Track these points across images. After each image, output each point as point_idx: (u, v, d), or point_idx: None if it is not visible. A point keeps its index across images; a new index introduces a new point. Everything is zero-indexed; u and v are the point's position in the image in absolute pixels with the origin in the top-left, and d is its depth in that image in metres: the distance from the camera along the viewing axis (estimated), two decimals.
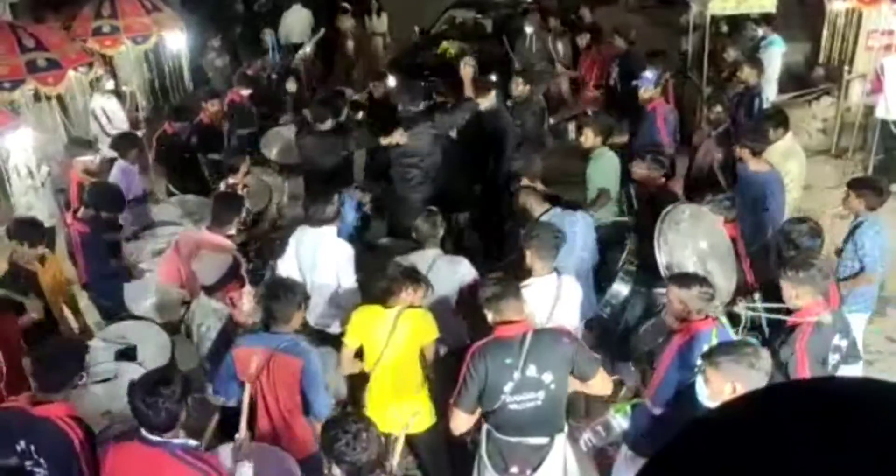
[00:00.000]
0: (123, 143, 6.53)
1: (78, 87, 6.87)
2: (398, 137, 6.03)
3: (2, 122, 5.87)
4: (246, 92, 8.40)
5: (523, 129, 7.13)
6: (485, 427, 3.62)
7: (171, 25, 8.63)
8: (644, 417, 3.75)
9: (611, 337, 5.34)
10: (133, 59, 8.92)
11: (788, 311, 3.89)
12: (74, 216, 5.25)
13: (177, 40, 8.89)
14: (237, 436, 3.41)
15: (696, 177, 6.58)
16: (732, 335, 3.83)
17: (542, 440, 3.57)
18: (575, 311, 4.24)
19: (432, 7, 13.37)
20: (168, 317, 5.17)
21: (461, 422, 3.53)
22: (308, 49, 10.57)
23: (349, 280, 4.80)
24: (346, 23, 12.96)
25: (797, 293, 3.76)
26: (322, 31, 11.66)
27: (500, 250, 6.18)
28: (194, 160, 7.15)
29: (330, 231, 4.88)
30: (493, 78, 8.67)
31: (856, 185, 4.97)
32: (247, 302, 4.15)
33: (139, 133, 7.64)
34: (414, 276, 4.10)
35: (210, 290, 4.34)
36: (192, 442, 3.09)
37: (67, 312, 5.19)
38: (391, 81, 8.42)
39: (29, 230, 4.76)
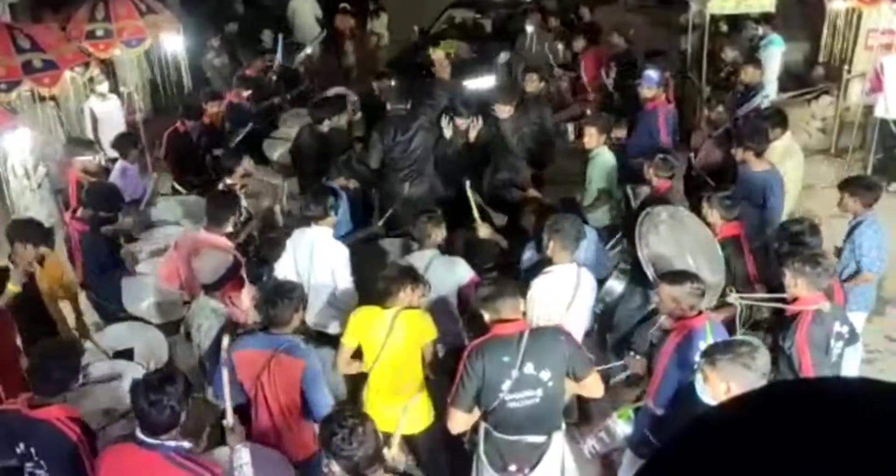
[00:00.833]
0: (124, 143, 6.53)
1: (73, 87, 6.87)
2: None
3: (1, 122, 5.87)
4: (245, 93, 8.40)
5: (540, 124, 7.11)
6: (483, 426, 3.62)
7: (167, 27, 8.61)
8: (646, 420, 3.76)
9: (603, 332, 5.37)
10: (130, 60, 8.92)
11: (783, 301, 3.91)
12: (73, 216, 5.25)
13: (173, 42, 8.87)
14: (224, 422, 3.40)
15: (696, 178, 6.58)
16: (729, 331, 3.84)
17: (540, 438, 3.58)
18: (591, 302, 4.29)
19: (432, 7, 13.37)
20: (167, 317, 5.17)
21: (459, 421, 3.54)
22: (309, 49, 10.58)
23: (345, 281, 4.80)
24: (346, 23, 12.97)
25: (797, 283, 3.80)
26: (324, 31, 11.68)
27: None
28: (202, 159, 7.16)
29: (325, 232, 4.89)
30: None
31: (847, 186, 4.98)
32: (245, 302, 4.15)
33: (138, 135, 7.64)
34: (413, 276, 4.10)
35: (210, 290, 4.34)
36: (187, 444, 3.09)
37: (69, 312, 5.18)
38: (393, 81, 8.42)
39: (29, 230, 4.75)
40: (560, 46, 10.36)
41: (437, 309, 4.36)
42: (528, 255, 4.78)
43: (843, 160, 8.61)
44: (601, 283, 5.08)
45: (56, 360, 3.40)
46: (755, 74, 7.38)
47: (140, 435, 3.00)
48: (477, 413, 3.57)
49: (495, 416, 3.53)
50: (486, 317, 3.55)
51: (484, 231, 5.27)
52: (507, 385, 3.41)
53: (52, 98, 7.18)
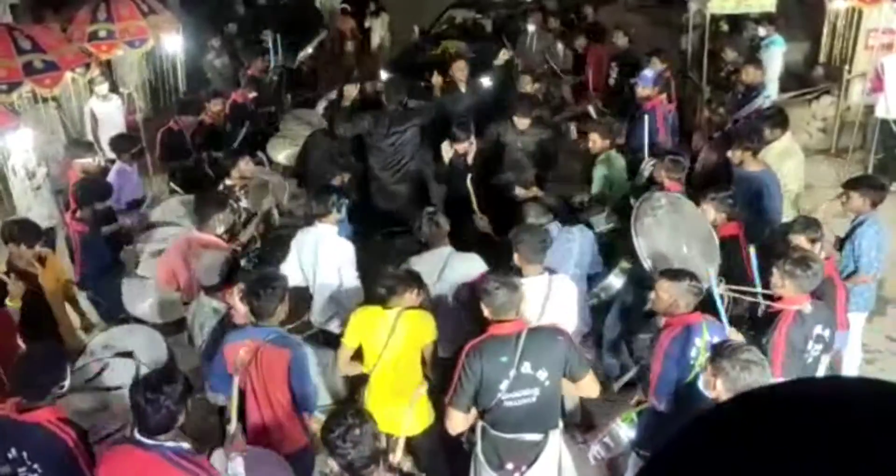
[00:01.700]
0: (121, 144, 6.54)
1: (74, 88, 6.88)
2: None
3: (1, 123, 5.87)
4: (252, 95, 8.42)
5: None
6: (480, 424, 3.62)
7: (168, 28, 8.62)
8: (649, 420, 3.76)
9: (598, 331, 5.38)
10: (130, 61, 8.92)
11: (770, 298, 3.92)
12: (73, 216, 5.25)
13: (174, 43, 8.88)
14: (228, 428, 3.41)
15: (698, 180, 6.56)
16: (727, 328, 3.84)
17: (537, 437, 3.58)
18: (569, 310, 4.22)
19: (432, 7, 13.37)
20: (167, 317, 5.17)
21: (458, 421, 3.54)
22: (310, 49, 10.58)
23: (351, 279, 4.80)
24: (347, 23, 12.98)
25: (784, 284, 3.81)
26: (324, 32, 11.68)
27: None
28: (198, 159, 7.16)
29: (330, 230, 4.89)
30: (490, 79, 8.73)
31: (856, 185, 4.95)
32: (236, 300, 4.17)
33: (138, 135, 7.64)
34: (419, 279, 4.10)
35: (210, 290, 4.35)
36: (186, 445, 3.09)
37: (71, 312, 5.19)
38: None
39: (23, 231, 4.76)
40: (560, 46, 10.36)
41: (455, 305, 4.38)
42: None
43: (843, 160, 8.61)
44: (597, 282, 5.09)
45: (43, 360, 3.38)
46: (756, 75, 7.37)
47: (138, 435, 3.00)
48: (475, 413, 3.57)
49: (492, 415, 3.53)
50: (486, 313, 3.54)
51: (482, 223, 5.27)
52: (504, 385, 3.41)
53: (54, 99, 7.19)
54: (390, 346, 3.95)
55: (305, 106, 9.63)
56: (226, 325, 4.17)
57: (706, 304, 3.87)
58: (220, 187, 5.87)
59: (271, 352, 3.67)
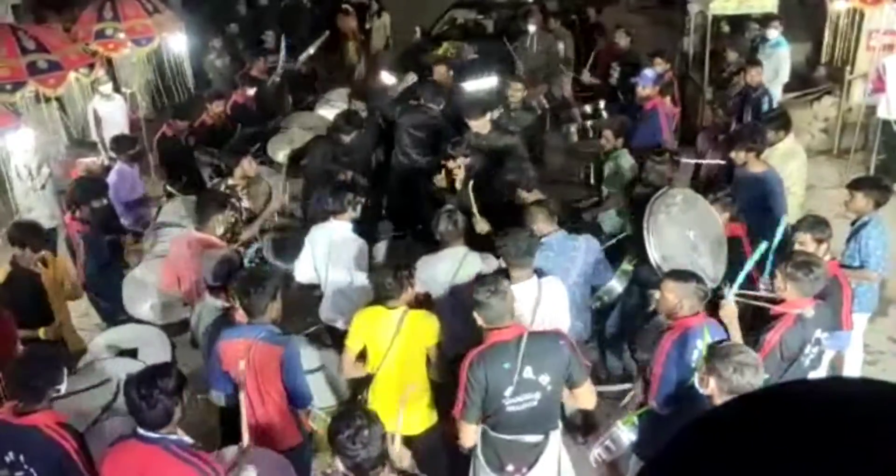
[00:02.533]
0: (121, 144, 6.54)
1: (77, 88, 6.89)
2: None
3: (3, 123, 5.87)
4: (251, 91, 8.41)
5: (524, 133, 7.03)
6: (480, 427, 3.60)
7: (172, 27, 8.64)
8: (650, 423, 3.75)
9: (601, 332, 5.37)
10: (134, 60, 8.93)
11: (774, 301, 3.91)
12: (73, 217, 5.25)
13: (178, 42, 8.90)
14: (241, 444, 3.42)
15: (704, 181, 6.56)
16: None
17: (537, 438, 3.57)
18: (560, 312, 4.19)
19: (434, 8, 13.37)
20: (168, 318, 5.17)
21: (471, 434, 3.52)
22: (312, 50, 10.58)
23: (361, 276, 4.78)
24: (348, 24, 12.98)
25: (787, 287, 3.81)
26: (326, 33, 11.67)
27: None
28: (193, 162, 7.16)
29: (345, 227, 4.89)
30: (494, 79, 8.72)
31: (861, 185, 4.93)
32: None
33: (141, 135, 7.66)
34: (411, 273, 4.08)
35: (214, 291, 4.36)
36: (188, 439, 3.10)
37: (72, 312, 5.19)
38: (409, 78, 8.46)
39: (29, 234, 4.76)
40: (561, 46, 10.36)
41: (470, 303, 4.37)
42: None
43: (845, 161, 8.60)
44: (599, 286, 5.08)
45: (38, 361, 3.36)
46: (758, 75, 7.36)
47: (140, 430, 3.01)
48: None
49: (493, 419, 3.52)
50: (480, 321, 3.49)
51: (482, 226, 5.26)
52: (509, 391, 3.39)
53: (57, 99, 7.19)
54: (395, 346, 3.94)
55: (305, 107, 9.65)
56: (226, 322, 4.18)
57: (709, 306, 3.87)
58: (223, 187, 5.87)
59: (264, 349, 3.69)
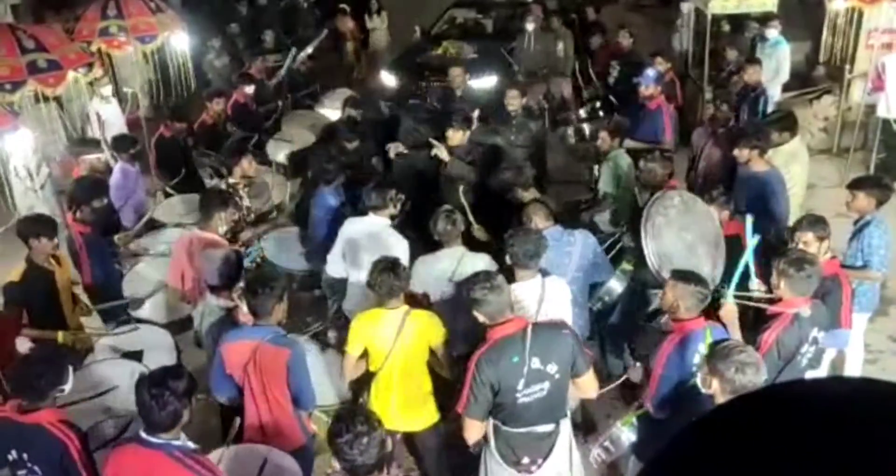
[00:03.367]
0: (122, 143, 6.54)
1: (75, 88, 6.88)
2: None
3: (2, 123, 5.86)
4: (249, 89, 8.41)
5: (528, 140, 6.94)
6: (491, 422, 3.61)
7: (175, 26, 8.65)
8: (649, 425, 3.76)
9: (602, 332, 5.37)
10: (134, 60, 8.93)
11: (771, 301, 3.91)
12: (74, 217, 5.25)
13: (181, 40, 8.91)
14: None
15: (699, 177, 6.56)
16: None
17: (549, 427, 3.60)
18: (563, 310, 4.20)
19: (433, 7, 13.36)
20: (169, 317, 5.17)
21: (475, 430, 3.53)
22: (309, 50, 10.59)
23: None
24: (346, 24, 12.98)
25: (780, 284, 3.82)
26: (324, 32, 11.67)
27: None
28: (192, 162, 7.17)
29: (383, 222, 4.90)
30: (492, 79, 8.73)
31: (862, 185, 4.93)
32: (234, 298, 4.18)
33: (141, 134, 7.65)
34: (407, 273, 4.09)
35: (216, 290, 4.36)
36: (192, 444, 3.10)
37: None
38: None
39: (39, 224, 4.76)
40: (561, 46, 10.35)
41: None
42: None
43: (845, 160, 8.60)
44: (599, 286, 5.08)
45: (39, 368, 3.34)
46: (757, 74, 7.36)
47: (143, 434, 3.01)
48: (490, 419, 3.58)
49: (504, 413, 3.53)
50: (481, 319, 3.51)
51: (479, 233, 5.28)
52: (521, 384, 3.41)
53: (56, 99, 7.18)
54: (398, 347, 3.94)
55: (305, 107, 9.65)
56: (229, 322, 4.18)
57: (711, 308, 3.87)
58: (224, 186, 5.87)
59: (270, 351, 3.69)
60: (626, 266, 5.15)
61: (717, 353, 3.13)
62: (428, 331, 3.97)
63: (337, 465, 2.84)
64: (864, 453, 0.61)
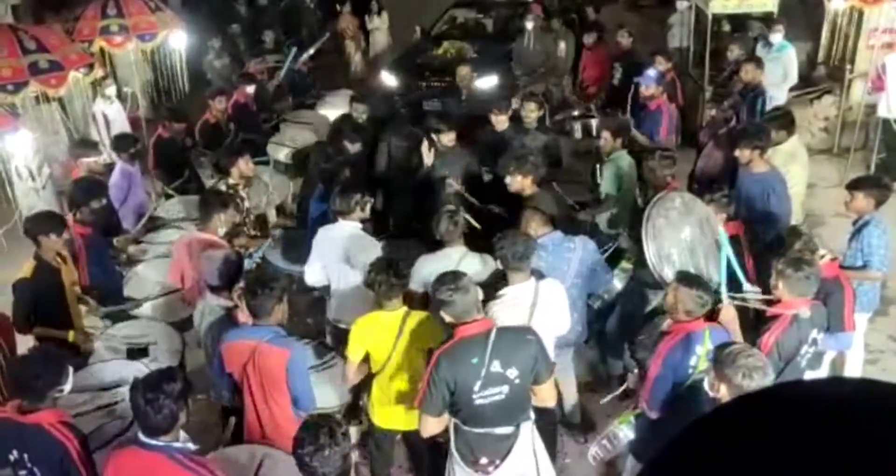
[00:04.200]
0: (122, 143, 6.54)
1: (76, 89, 6.89)
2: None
3: (2, 125, 5.87)
4: (250, 89, 8.42)
5: (542, 153, 6.86)
6: (452, 421, 3.62)
7: (175, 24, 8.68)
8: (646, 424, 3.76)
9: (602, 331, 5.37)
10: (133, 59, 8.94)
11: (769, 303, 3.92)
12: (75, 218, 5.26)
13: (180, 40, 8.92)
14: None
15: (700, 176, 6.56)
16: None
17: (508, 429, 3.59)
18: (559, 314, 4.19)
19: (433, 7, 13.36)
20: (170, 317, 5.18)
21: (430, 426, 3.54)
22: (312, 50, 10.59)
23: None
24: (347, 23, 12.98)
25: (779, 285, 3.82)
26: (327, 34, 11.67)
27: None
28: (191, 163, 7.17)
29: (353, 226, 4.88)
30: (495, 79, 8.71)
31: (861, 185, 4.92)
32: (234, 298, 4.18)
33: (142, 134, 7.67)
34: (406, 275, 4.07)
35: (216, 290, 4.36)
36: (191, 445, 3.10)
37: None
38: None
39: (48, 221, 4.76)
40: (562, 45, 10.35)
41: None
42: None
43: (845, 160, 8.60)
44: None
45: (38, 368, 3.33)
46: (756, 73, 7.35)
47: (142, 436, 3.00)
48: (447, 415, 3.58)
49: (463, 413, 3.54)
50: (447, 319, 3.52)
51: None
52: (477, 385, 3.41)
53: (59, 99, 7.19)
54: (398, 349, 3.94)
55: (305, 107, 9.65)
56: (229, 322, 4.18)
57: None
58: (223, 187, 5.88)
59: (269, 351, 3.69)
60: (626, 264, 5.15)
61: (723, 358, 3.11)
62: (427, 332, 3.96)
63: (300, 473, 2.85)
64: (865, 454, 0.61)
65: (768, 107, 7.11)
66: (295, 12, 13.40)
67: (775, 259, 3.89)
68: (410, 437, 4.15)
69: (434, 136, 6.08)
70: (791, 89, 9.07)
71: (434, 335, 3.95)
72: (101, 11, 8.00)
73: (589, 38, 9.99)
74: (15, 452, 3.18)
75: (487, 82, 9.76)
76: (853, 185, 4.95)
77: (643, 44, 10.12)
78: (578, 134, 8.02)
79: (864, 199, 4.81)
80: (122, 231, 5.99)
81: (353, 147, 6.61)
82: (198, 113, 7.89)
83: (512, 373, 3.43)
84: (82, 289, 5.17)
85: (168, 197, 6.96)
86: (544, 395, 3.65)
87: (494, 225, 5.19)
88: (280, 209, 7.30)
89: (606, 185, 6.07)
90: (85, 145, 6.36)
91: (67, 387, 3.42)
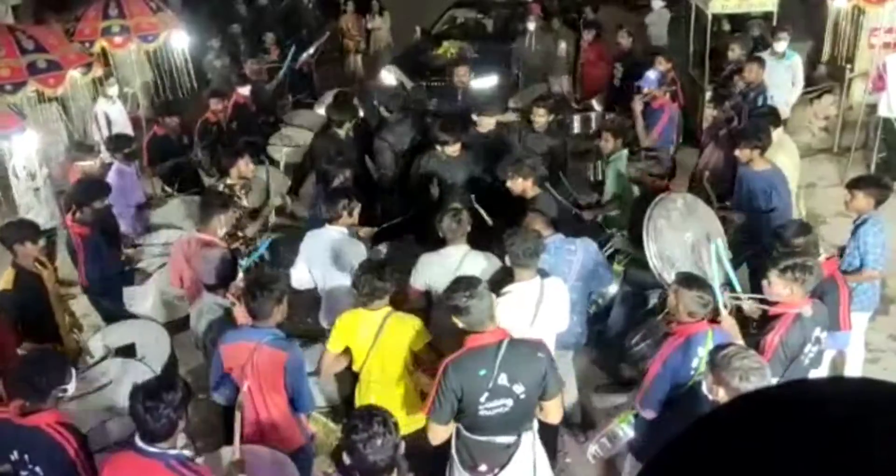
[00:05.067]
0: (118, 143, 6.55)
1: (77, 88, 6.90)
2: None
3: (8, 125, 5.87)
4: (244, 90, 8.42)
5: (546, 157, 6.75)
6: (455, 426, 3.60)
7: (176, 25, 8.69)
8: (645, 424, 3.75)
9: (603, 336, 5.36)
10: (134, 59, 8.95)
11: (769, 302, 3.91)
12: (73, 218, 5.26)
13: (181, 40, 8.94)
14: (231, 458, 3.41)
15: (700, 176, 6.55)
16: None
17: (509, 439, 3.56)
18: (562, 312, 4.19)
19: (434, 7, 13.37)
20: (169, 317, 5.19)
21: (438, 433, 3.51)
22: (312, 50, 10.60)
23: None
24: (348, 23, 12.99)
25: (788, 288, 3.76)
26: (327, 34, 11.68)
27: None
28: (187, 161, 7.18)
29: (341, 232, 4.88)
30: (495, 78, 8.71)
31: (861, 184, 4.91)
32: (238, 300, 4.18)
33: (141, 134, 7.67)
34: (391, 273, 4.02)
35: (212, 289, 4.36)
36: (188, 452, 3.10)
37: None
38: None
39: (23, 229, 4.76)
40: (563, 45, 10.36)
41: None
42: None
43: (846, 159, 8.60)
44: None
45: (40, 368, 3.33)
46: (758, 73, 7.35)
47: (139, 442, 2.99)
48: (454, 423, 3.56)
49: (467, 420, 3.52)
50: (461, 325, 3.45)
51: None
52: (484, 397, 3.38)
53: (56, 99, 7.19)
54: (377, 348, 3.91)
55: (304, 106, 9.66)
56: (228, 323, 4.18)
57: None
58: (221, 187, 5.88)
59: (268, 353, 3.69)
60: (617, 267, 5.16)
61: (719, 361, 3.09)
62: (407, 335, 3.91)
63: (347, 460, 2.83)
64: (865, 454, 0.60)
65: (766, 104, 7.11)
66: (295, 12, 13.40)
67: (774, 262, 3.86)
68: (407, 440, 4.13)
69: (438, 148, 6.04)
70: None
71: (415, 339, 3.91)
72: (103, 12, 8.03)
73: (588, 35, 10.02)
74: (16, 453, 3.17)
75: (487, 82, 9.77)
76: (853, 185, 4.95)
77: (643, 44, 10.13)
78: (577, 127, 8.02)
79: (864, 199, 4.80)
80: (121, 231, 5.99)
81: (342, 130, 6.57)
82: (198, 113, 7.89)
83: (518, 388, 3.39)
84: (83, 288, 5.18)
85: (169, 196, 6.96)
86: (551, 412, 3.59)
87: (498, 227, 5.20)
88: (279, 209, 7.29)
89: (611, 185, 6.07)
90: (81, 148, 6.36)
91: (71, 387, 3.41)
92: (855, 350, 5.07)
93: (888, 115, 7.93)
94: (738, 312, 4.11)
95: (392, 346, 3.92)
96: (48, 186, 6.50)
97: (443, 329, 4.02)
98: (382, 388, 4.02)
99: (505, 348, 3.35)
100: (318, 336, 5.10)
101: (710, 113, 7.28)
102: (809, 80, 9.54)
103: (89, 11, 8.10)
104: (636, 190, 5.79)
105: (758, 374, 3.01)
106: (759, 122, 6.12)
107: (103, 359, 4.64)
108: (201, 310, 4.44)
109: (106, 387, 4.29)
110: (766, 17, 9.11)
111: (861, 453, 0.61)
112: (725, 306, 3.91)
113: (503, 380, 3.36)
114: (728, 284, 4.16)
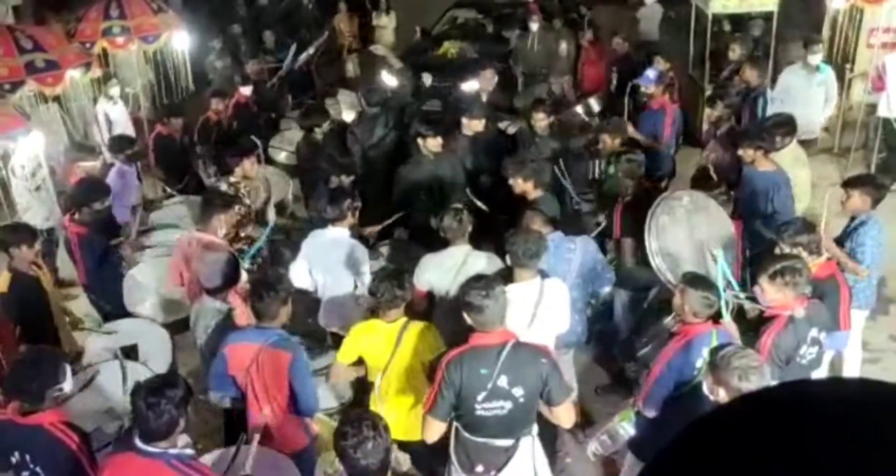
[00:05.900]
0: (119, 144, 6.55)
1: (78, 88, 6.90)
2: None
3: (14, 126, 5.86)
4: (246, 90, 8.42)
5: (549, 160, 6.63)
6: (454, 426, 3.60)
7: (177, 26, 8.71)
8: (646, 423, 3.74)
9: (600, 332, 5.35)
10: (135, 60, 8.96)
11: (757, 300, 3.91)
12: (71, 218, 5.26)
13: (182, 41, 8.95)
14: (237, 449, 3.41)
15: (700, 175, 6.56)
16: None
17: (507, 442, 3.55)
18: (561, 313, 4.19)
19: (434, 7, 13.38)
20: (168, 317, 5.18)
21: (434, 429, 3.49)
22: (311, 50, 10.60)
23: (365, 281, 4.70)
24: (340, 23, 13.00)
25: (781, 292, 3.74)
26: (326, 34, 11.69)
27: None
28: (190, 161, 7.17)
29: (342, 232, 4.88)
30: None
31: (857, 184, 4.90)
32: (240, 302, 4.17)
33: (143, 135, 7.68)
34: (405, 281, 3.98)
35: (213, 293, 4.35)
36: (189, 451, 3.08)
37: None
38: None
39: (18, 233, 4.75)
40: (563, 45, 10.36)
41: None
42: None
43: (846, 159, 8.60)
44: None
45: (35, 369, 3.31)
46: (754, 75, 7.35)
47: (139, 442, 2.97)
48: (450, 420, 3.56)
49: (464, 419, 3.52)
50: (469, 322, 3.44)
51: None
52: (481, 396, 3.38)
53: (56, 99, 7.20)
54: (395, 361, 3.89)
55: (304, 106, 9.65)
56: (229, 325, 4.18)
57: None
58: (224, 186, 5.88)
59: (272, 354, 3.69)
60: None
61: (718, 361, 3.09)
62: (425, 343, 3.90)
63: (340, 466, 2.83)
64: (865, 454, 0.60)
65: (770, 109, 7.08)
66: (295, 12, 13.41)
67: (764, 265, 3.85)
68: (408, 448, 4.12)
69: (420, 142, 6.02)
70: None
71: (431, 348, 3.89)
72: (104, 13, 8.05)
73: (588, 33, 10.05)
74: (17, 454, 3.17)
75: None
76: (849, 184, 4.94)
77: (635, 38, 10.14)
78: (582, 116, 8.01)
79: (860, 198, 4.80)
80: (120, 232, 5.99)
81: (320, 130, 6.63)
82: (199, 113, 7.90)
83: (517, 391, 3.38)
84: (83, 287, 5.18)
85: (170, 196, 6.96)
86: (561, 417, 3.57)
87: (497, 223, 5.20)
88: (280, 209, 7.29)
89: (612, 185, 6.07)
90: (81, 149, 6.36)
91: (68, 386, 3.39)
92: (853, 349, 5.07)
93: (888, 115, 7.92)
94: (737, 313, 4.11)
95: (410, 357, 3.89)
96: (47, 186, 6.49)
97: (443, 329, 4.03)
98: (399, 398, 4.00)
99: (508, 351, 3.34)
100: (318, 336, 5.11)
101: (709, 113, 7.28)
102: None
103: (90, 12, 8.12)
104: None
105: (757, 372, 3.01)
106: (765, 125, 6.10)
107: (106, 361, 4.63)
108: (199, 312, 4.43)
109: (93, 379, 4.27)
110: (767, 17, 9.10)
111: (861, 454, 0.60)
112: (728, 306, 3.91)
113: (503, 382, 3.36)
114: (730, 284, 4.16)
